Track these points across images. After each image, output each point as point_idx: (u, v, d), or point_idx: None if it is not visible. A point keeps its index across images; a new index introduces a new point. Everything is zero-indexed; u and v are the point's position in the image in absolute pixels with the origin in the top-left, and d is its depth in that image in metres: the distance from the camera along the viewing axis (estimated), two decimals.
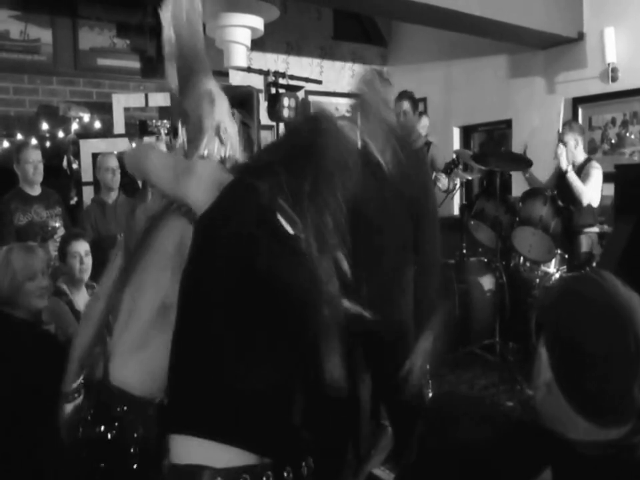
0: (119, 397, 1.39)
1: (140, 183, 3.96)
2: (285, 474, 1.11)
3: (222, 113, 1.58)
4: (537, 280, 4.00)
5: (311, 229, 1.18)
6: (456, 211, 5.93)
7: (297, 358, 1.17)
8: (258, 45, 5.43)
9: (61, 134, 4.55)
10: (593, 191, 4.05)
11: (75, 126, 4.63)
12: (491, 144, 6.32)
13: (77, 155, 4.52)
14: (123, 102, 4.85)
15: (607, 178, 4.17)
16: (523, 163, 4.17)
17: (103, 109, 4.87)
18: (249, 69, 4.83)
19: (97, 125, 4.74)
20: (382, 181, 1.69)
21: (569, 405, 0.90)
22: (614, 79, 4.87)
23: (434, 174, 4.10)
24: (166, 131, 4.97)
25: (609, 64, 4.86)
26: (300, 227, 1.17)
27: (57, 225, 3.69)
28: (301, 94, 4.86)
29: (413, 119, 4.39)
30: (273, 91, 4.63)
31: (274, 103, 4.57)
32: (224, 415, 1.10)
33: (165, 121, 5.00)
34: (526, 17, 4.74)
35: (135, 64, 5.24)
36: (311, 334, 1.19)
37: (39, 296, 2.21)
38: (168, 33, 1.55)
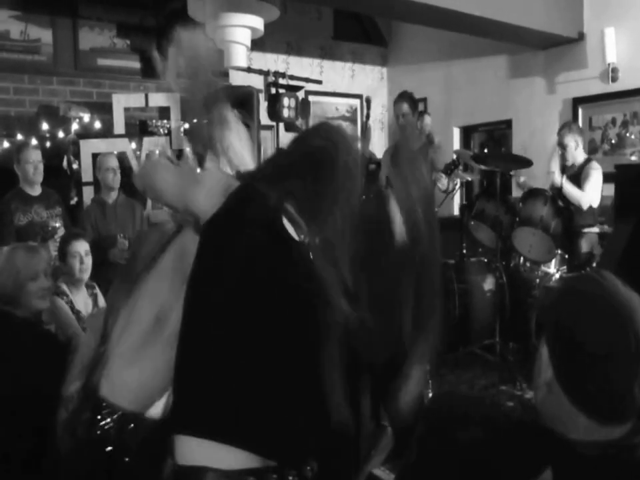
0: (109, 408, 1.39)
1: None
2: (290, 477, 1.10)
3: (235, 137, 1.59)
4: (537, 280, 4.00)
5: (318, 235, 1.18)
6: (456, 211, 5.93)
7: (300, 360, 1.17)
8: (258, 45, 5.43)
9: (61, 134, 4.55)
10: (592, 192, 4.06)
11: (75, 126, 4.63)
12: (491, 144, 6.32)
13: (77, 155, 4.52)
14: (123, 102, 4.85)
15: (607, 178, 4.18)
16: (523, 163, 4.17)
17: (103, 109, 4.87)
18: (249, 69, 4.83)
19: (97, 125, 4.75)
20: (388, 247, 1.64)
21: (569, 404, 0.90)
22: (614, 79, 4.87)
23: (434, 174, 4.10)
24: (165, 132, 4.98)
25: (609, 64, 4.86)
26: (306, 232, 1.18)
27: (57, 225, 3.69)
28: (301, 94, 4.85)
29: (413, 121, 4.40)
30: (273, 91, 4.63)
31: (274, 103, 4.56)
32: (230, 416, 1.09)
33: (165, 121, 5.01)
34: (526, 17, 4.74)
35: (135, 64, 5.24)
36: (314, 338, 1.19)
37: (41, 296, 2.21)
38: (180, 68, 1.54)
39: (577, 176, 4.15)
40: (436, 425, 1.03)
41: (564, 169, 4.33)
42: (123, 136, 4.76)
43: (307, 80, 5.04)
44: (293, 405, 1.15)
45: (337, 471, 1.45)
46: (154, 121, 5.03)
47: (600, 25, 4.93)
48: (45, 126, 4.53)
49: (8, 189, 3.75)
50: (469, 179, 4.83)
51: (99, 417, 1.40)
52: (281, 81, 4.68)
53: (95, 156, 4.32)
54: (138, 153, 4.77)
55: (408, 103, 4.32)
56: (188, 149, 5.02)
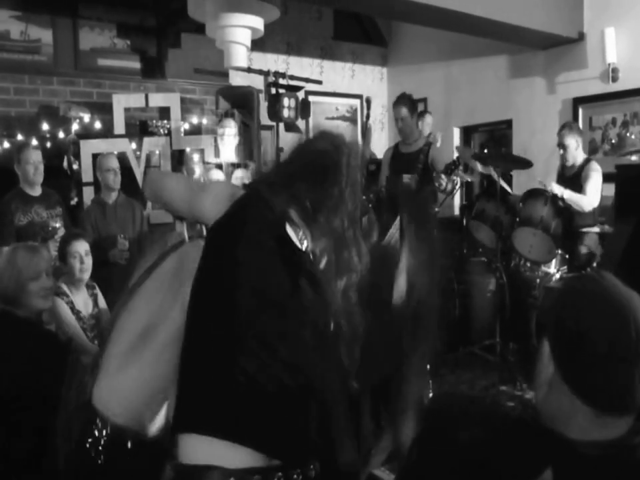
0: (99, 417, 1.39)
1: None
2: (295, 476, 1.11)
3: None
4: (538, 280, 4.00)
5: (320, 241, 1.22)
6: (456, 211, 5.94)
7: (306, 361, 1.18)
8: (258, 45, 5.43)
9: (61, 134, 4.55)
10: (593, 194, 4.05)
11: (75, 126, 4.63)
12: (491, 144, 6.32)
13: (77, 155, 4.52)
14: (123, 102, 4.86)
15: (607, 178, 4.17)
16: (523, 164, 4.17)
17: (104, 109, 4.87)
18: (249, 69, 4.83)
19: (98, 125, 4.75)
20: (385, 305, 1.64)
21: (570, 397, 0.90)
22: (614, 79, 4.87)
23: (434, 174, 4.09)
24: (165, 132, 4.98)
25: (609, 64, 4.86)
26: (309, 241, 1.22)
27: (58, 225, 3.70)
28: (301, 94, 4.86)
29: (412, 124, 4.39)
30: (273, 91, 4.63)
31: (274, 103, 4.57)
32: (234, 414, 1.10)
33: (165, 122, 5.01)
34: (526, 17, 4.74)
35: (135, 64, 5.24)
36: (316, 341, 1.20)
37: (43, 296, 2.21)
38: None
39: (577, 176, 4.15)
40: (436, 425, 1.03)
41: (563, 170, 4.33)
42: (123, 136, 4.76)
43: (307, 80, 5.04)
44: (296, 404, 1.15)
45: (338, 471, 1.45)
46: (154, 121, 5.03)
47: (600, 25, 4.93)
48: (45, 126, 4.53)
49: (8, 189, 3.75)
50: (469, 179, 4.84)
51: (97, 423, 1.40)
52: (281, 81, 4.68)
53: (95, 156, 4.32)
54: (138, 153, 4.77)
55: (407, 106, 4.31)
56: (188, 149, 5.04)
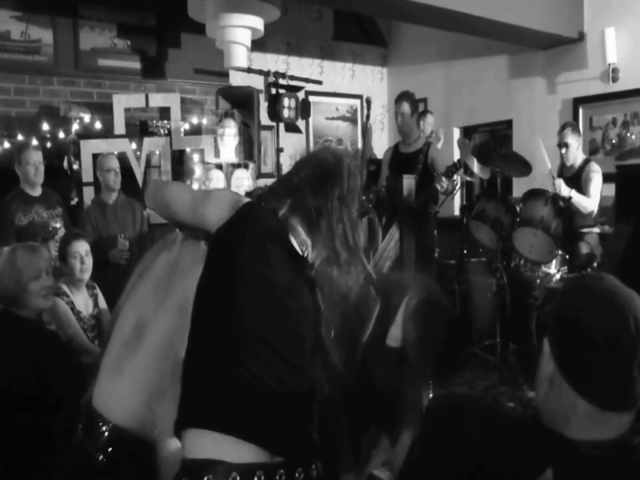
0: (100, 417, 1.39)
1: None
2: (297, 474, 1.12)
3: None
4: (538, 281, 4.00)
5: (323, 247, 1.27)
6: (456, 212, 5.93)
7: (307, 359, 1.19)
8: (258, 45, 5.44)
9: (61, 134, 4.55)
10: (595, 196, 4.05)
11: (75, 126, 4.63)
12: (492, 143, 6.31)
13: (77, 156, 4.52)
14: (123, 102, 4.86)
15: (607, 178, 4.17)
16: (524, 163, 4.17)
17: (104, 109, 4.87)
18: (249, 70, 4.84)
19: (98, 125, 4.75)
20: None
21: (570, 393, 0.91)
22: (614, 80, 4.87)
23: (435, 175, 4.09)
24: (166, 132, 4.98)
25: (609, 64, 4.86)
26: (310, 247, 1.26)
27: (58, 225, 3.70)
28: (301, 94, 4.86)
29: (411, 121, 4.39)
30: (273, 91, 4.64)
31: (274, 103, 4.57)
32: (240, 410, 1.11)
33: (166, 122, 5.01)
34: (526, 17, 4.74)
35: (136, 64, 5.24)
36: (316, 343, 1.23)
37: (43, 296, 2.21)
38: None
39: (577, 177, 4.15)
40: (436, 425, 1.03)
41: (562, 170, 4.32)
42: (123, 136, 4.76)
43: (307, 80, 5.04)
44: (298, 403, 1.16)
45: (338, 472, 1.45)
46: (154, 121, 5.03)
47: (600, 25, 4.93)
48: (45, 126, 4.53)
49: (9, 189, 3.75)
50: (469, 179, 4.84)
51: (98, 424, 1.40)
52: (281, 82, 4.68)
53: (95, 156, 4.32)
54: (138, 153, 4.77)
55: (408, 103, 4.32)
56: (188, 149, 5.04)
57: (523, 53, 5.58)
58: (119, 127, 4.81)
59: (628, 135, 4.88)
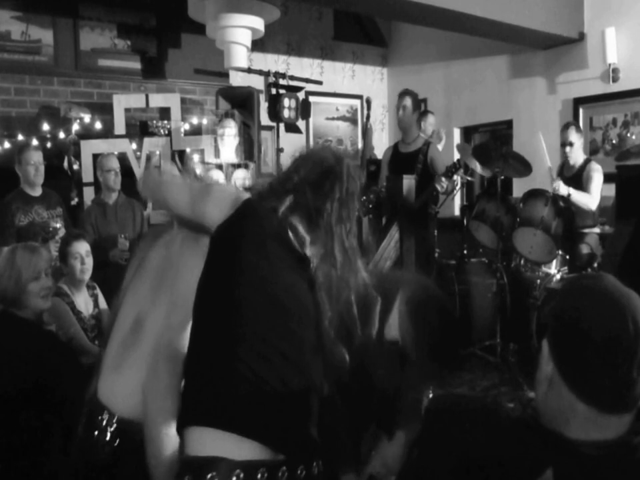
0: (106, 410, 1.40)
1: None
2: (299, 471, 1.12)
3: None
4: (538, 281, 4.00)
5: (322, 246, 1.27)
6: (457, 212, 5.93)
7: (308, 357, 1.20)
8: (258, 45, 5.44)
9: (61, 134, 4.55)
10: (596, 193, 4.05)
11: (75, 126, 4.63)
12: (492, 144, 6.31)
13: (77, 156, 4.52)
14: (123, 102, 4.86)
15: (608, 179, 4.17)
16: (525, 164, 4.16)
17: (104, 109, 4.88)
18: (249, 70, 4.84)
19: (98, 125, 4.75)
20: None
21: (569, 394, 0.90)
22: (615, 80, 4.87)
23: (435, 176, 4.09)
24: (166, 132, 4.98)
25: (609, 64, 4.86)
26: (310, 245, 1.27)
27: (58, 225, 3.70)
28: (301, 94, 4.86)
29: (412, 117, 4.40)
30: (274, 91, 4.64)
31: (274, 103, 4.57)
32: (242, 408, 1.12)
33: (166, 122, 5.01)
34: (526, 18, 4.74)
35: (136, 65, 5.24)
36: (317, 342, 1.23)
37: (43, 296, 2.21)
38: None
39: (578, 176, 4.15)
40: (436, 425, 1.03)
41: (563, 169, 4.32)
42: (123, 136, 4.76)
43: (307, 80, 5.04)
44: (299, 401, 1.16)
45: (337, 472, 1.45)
46: (154, 121, 5.03)
47: (600, 25, 4.93)
48: (45, 126, 4.53)
49: (9, 189, 3.76)
50: (469, 179, 4.84)
51: (99, 419, 1.40)
52: (282, 82, 4.69)
53: (95, 156, 4.32)
54: (138, 153, 4.77)
55: (412, 99, 4.34)
56: (188, 150, 5.04)
57: (523, 53, 5.58)
58: (119, 127, 4.81)
59: (628, 135, 4.88)
